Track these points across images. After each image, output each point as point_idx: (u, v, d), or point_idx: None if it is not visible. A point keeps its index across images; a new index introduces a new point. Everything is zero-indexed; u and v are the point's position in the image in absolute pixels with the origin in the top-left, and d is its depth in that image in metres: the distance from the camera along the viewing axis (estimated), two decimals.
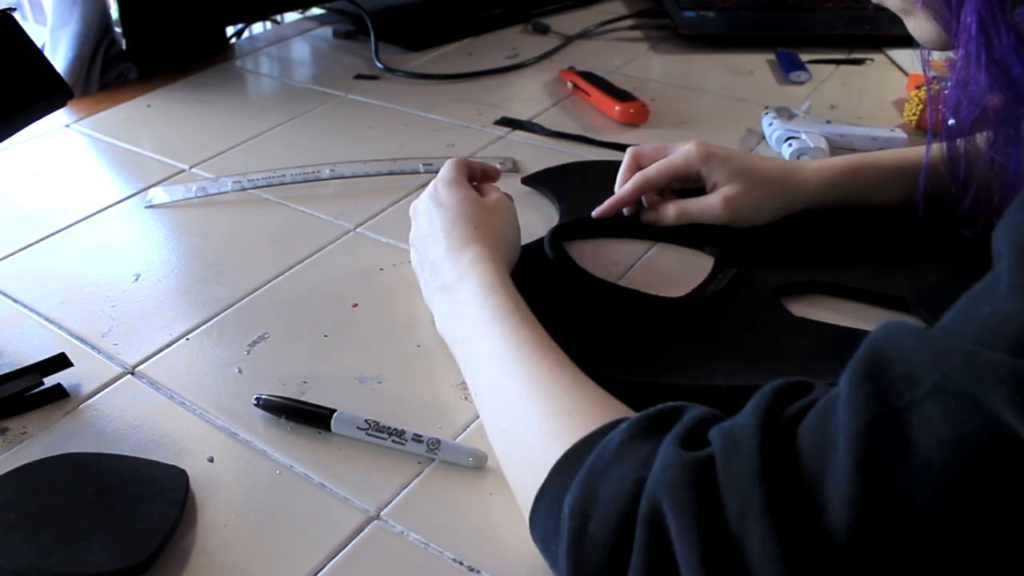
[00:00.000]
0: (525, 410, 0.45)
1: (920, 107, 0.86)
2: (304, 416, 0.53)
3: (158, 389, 0.56)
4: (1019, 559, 0.30)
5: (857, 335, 0.57)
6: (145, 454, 0.50)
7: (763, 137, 0.86)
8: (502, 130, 0.90)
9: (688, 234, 0.70)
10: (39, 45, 0.63)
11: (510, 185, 0.75)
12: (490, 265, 0.55)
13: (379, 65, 1.05)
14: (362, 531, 0.46)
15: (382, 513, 0.47)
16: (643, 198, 0.71)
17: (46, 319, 0.63)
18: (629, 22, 1.18)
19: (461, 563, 0.45)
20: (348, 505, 0.48)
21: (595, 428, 0.41)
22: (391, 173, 0.81)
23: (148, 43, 0.99)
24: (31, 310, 0.64)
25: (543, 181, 0.79)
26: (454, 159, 0.65)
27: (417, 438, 0.50)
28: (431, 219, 0.60)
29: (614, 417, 0.42)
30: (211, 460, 0.51)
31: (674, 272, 0.67)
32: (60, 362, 0.56)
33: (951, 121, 0.50)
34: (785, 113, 0.86)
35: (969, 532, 0.30)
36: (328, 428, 0.52)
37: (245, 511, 0.48)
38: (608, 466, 0.37)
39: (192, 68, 1.05)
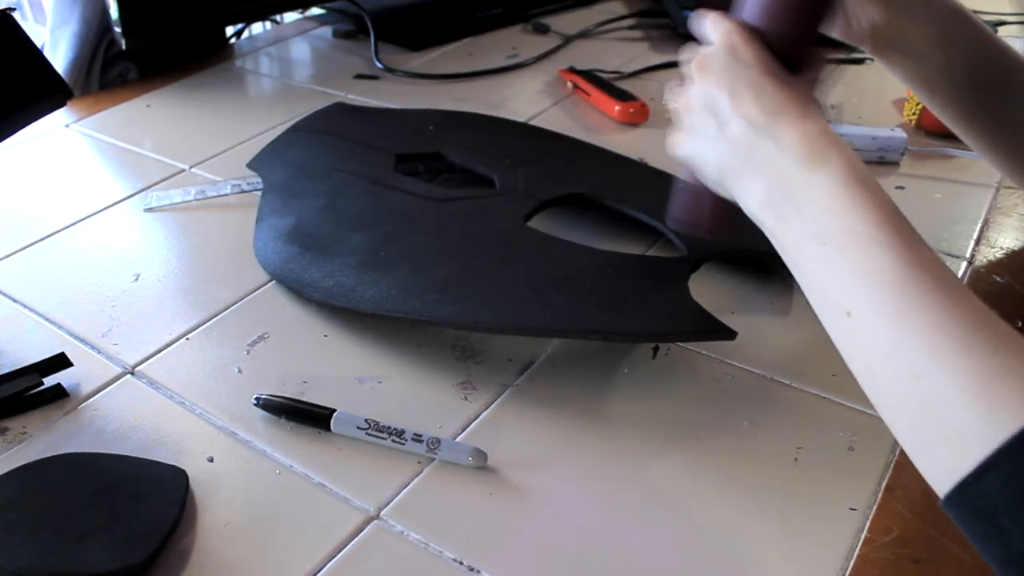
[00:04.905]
0: (942, 358, 0.36)
1: (920, 106, 0.85)
2: (304, 416, 0.53)
3: (158, 389, 0.56)
4: None
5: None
6: (145, 454, 0.50)
7: None
8: None
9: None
10: (39, 45, 0.63)
11: None
12: (848, 150, 0.42)
13: (379, 65, 1.05)
14: (362, 531, 0.46)
15: (382, 513, 0.47)
16: None
17: (46, 319, 0.63)
18: (629, 22, 1.18)
19: (461, 563, 0.45)
20: (348, 505, 0.48)
21: None
22: None
23: (148, 43, 0.99)
24: (31, 310, 0.64)
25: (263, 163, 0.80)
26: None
27: (417, 438, 0.50)
28: (735, 73, 0.45)
29: None
30: (211, 460, 0.51)
31: None
32: (60, 362, 0.56)
33: None
34: None
35: None
36: (328, 428, 0.52)
37: (245, 511, 0.48)
38: None
39: (192, 68, 1.05)
